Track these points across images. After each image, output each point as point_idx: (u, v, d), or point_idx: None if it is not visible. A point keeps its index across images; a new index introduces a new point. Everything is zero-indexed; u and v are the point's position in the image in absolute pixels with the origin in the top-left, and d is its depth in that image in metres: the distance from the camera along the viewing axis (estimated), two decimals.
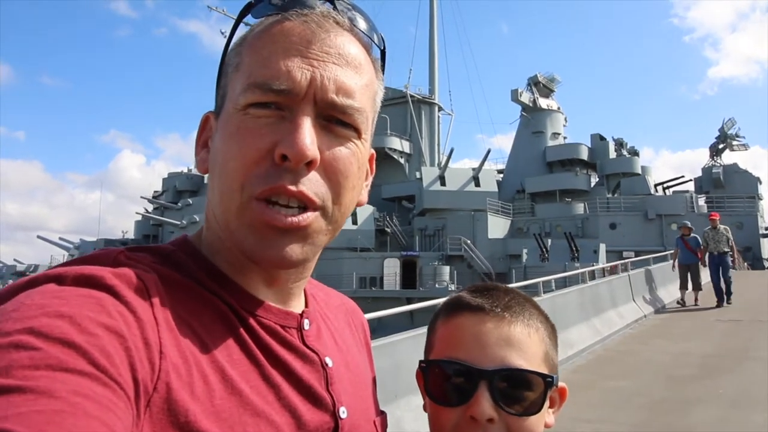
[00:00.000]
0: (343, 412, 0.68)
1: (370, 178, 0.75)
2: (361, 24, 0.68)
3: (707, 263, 12.78)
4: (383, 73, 0.72)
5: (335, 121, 0.63)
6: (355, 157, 0.65)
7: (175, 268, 0.62)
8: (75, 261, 0.58)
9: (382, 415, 0.80)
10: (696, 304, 12.44)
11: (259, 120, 0.61)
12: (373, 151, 0.74)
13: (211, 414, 0.54)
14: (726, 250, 12.63)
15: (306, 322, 0.71)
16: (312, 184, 0.61)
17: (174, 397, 0.52)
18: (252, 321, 0.64)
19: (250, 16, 0.68)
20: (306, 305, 0.75)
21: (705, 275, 13.17)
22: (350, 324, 0.86)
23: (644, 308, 11.47)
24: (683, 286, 12.79)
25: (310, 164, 0.60)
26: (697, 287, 12.74)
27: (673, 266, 13.14)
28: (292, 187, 0.59)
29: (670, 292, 13.53)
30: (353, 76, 0.64)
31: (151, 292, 0.56)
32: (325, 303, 0.81)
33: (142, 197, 54.56)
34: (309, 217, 0.61)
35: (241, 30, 0.69)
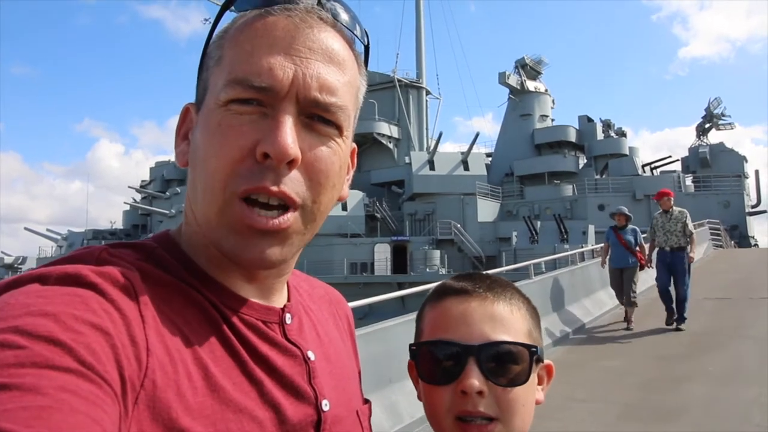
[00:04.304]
0: (325, 405, 0.68)
1: (351, 172, 0.75)
2: (344, 16, 0.67)
3: (654, 262, 8.83)
4: (366, 67, 0.72)
5: (317, 118, 0.62)
6: (337, 155, 0.65)
7: (157, 265, 0.62)
8: (58, 261, 0.57)
9: (366, 404, 0.81)
10: (629, 327, 8.58)
11: (241, 117, 0.60)
12: (354, 146, 0.74)
13: (194, 411, 0.54)
14: (682, 244, 8.47)
15: (288, 316, 0.71)
16: (293, 183, 0.61)
17: (158, 395, 0.52)
18: (234, 317, 0.64)
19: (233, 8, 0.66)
20: (288, 299, 0.74)
21: (649, 280, 9.86)
22: (334, 314, 0.86)
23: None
24: (620, 298, 9.10)
25: (291, 163, 0.60)
26: (629, 301, 8.71)
27: (602, 264, 9.35)
28: (274, 188, 0.59)
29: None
30: (336, 73, 0.63)
31: (136, 289, 0.56)
32: (308, 294, 0.81)
33: (129, 187, 54.20)
34: (289, 219, 0.61)
35: (224, 22, 0.68)
